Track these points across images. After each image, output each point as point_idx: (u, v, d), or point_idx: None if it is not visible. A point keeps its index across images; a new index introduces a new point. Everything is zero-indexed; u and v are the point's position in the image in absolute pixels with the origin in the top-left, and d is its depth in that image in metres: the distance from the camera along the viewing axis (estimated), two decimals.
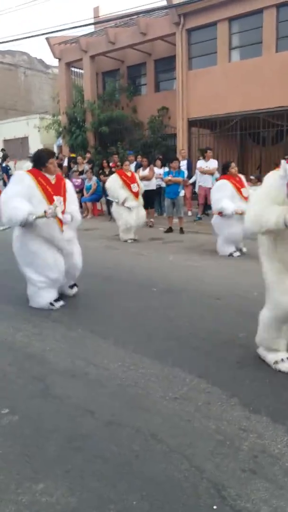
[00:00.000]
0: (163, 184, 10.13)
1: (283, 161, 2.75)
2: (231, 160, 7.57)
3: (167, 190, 9.03)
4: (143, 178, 9.36)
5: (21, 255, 4.26)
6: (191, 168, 11.33)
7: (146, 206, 9.59)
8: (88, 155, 14.07)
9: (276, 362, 2.96)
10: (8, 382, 2.86)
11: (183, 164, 10.58)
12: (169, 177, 8.85)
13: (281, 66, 11.78)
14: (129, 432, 2.30)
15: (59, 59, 17.29)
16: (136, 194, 8.05)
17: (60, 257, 4.29)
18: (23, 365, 3.10)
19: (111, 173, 10.32)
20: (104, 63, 16.94)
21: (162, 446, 2.18)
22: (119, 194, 7.96)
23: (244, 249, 6.82)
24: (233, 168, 6.81)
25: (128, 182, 8.01)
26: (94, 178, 11.82)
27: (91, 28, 16.65)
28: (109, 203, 10.44)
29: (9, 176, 13.97)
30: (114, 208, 8.28)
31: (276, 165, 2.92)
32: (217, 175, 10.90)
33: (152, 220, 10.08)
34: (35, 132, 21.03)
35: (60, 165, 13.86)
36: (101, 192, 11.63)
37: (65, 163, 14.21)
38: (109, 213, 10.72)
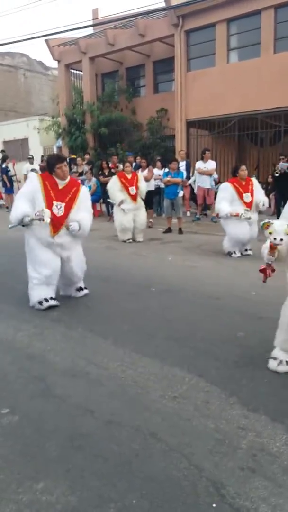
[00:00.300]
0: (162, 185, 10.17)
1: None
2: (242, 163, 7.57)
3: (166, 190, 9.05)
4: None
5: (26, 252, 4.43)
6: (190, 169, 11.36)
7: (145, 206, 9.62)
8: (87, 156, 14.09)
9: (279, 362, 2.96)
10: (8, 382, 2.87)
11: (182, 165, 10.61)
12: (168, 178, 8.87)
13: (279, 67, 11.81)
14: (128, 431, 2.31)
15: (59, 61, 17.32)
16: (133, 197, 8.07)
17: (55, 257, 4.33)
18: (23, 365, 3.11)
19: (110, 174, 10.35)
20: (103, 64, 16.97)
21: (161, 445, 2.20)
22: (115, 197, 8.10)
23: (250, 252, 6.78)
24: (243, 171, 6.81)
25: (126, 184, 8.06)
26: (94, 179, 11.84)
27: (90, 30, 16.69)
28: (109, 204, 10.49)
29: (8, 177, 13.96)
30: (114, 209, 8.39)
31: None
32: (215, 175, 10.95)
33: (151, 220, 10.10)
34: (35, 134, 21.05)
35: None
36: (100, 193, 11.65)
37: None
38: (109, 214, 10.76)
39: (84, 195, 4.54)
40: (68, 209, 4.31)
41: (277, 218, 6.50)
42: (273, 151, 13.18)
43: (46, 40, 16.47)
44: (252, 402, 2.58)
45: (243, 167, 6.92)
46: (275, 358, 2.97)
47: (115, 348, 3.38)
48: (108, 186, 8.43)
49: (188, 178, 10.95)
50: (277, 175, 9.67)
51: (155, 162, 11.56)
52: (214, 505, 1.81)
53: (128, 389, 2.75)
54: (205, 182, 10.38)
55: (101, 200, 11.95)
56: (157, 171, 10.49)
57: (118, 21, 14.82)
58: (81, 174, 12.41)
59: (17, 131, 22.27)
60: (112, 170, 11.34)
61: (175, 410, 2.51)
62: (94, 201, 11.86)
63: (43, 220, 4.08)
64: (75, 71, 17.92)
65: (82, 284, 4.77)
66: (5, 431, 2.34)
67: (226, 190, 6.77)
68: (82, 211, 4.43)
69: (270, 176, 11.05)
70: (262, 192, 7.08)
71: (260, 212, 6.98)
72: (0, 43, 17.41)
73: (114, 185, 8.16)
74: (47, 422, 2.40)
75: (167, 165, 9.58)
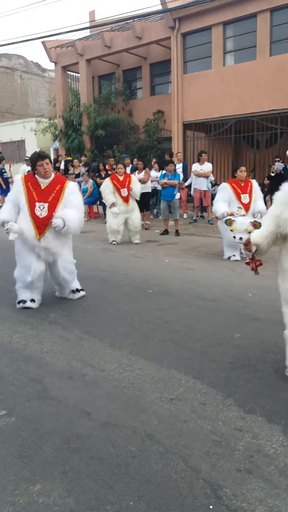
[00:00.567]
0: (159, 187, 10.19)
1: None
2: (242, 164, 7.45)
3: (163, 193, 9.08)
4: (139, 181, 9.38)
5: (15, 253, 4.46)
6: (186, 171, 11.39)
7: (142, 208, 9.63)
8: (83, 158, 14.10)
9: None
10: (5, 384, 2.87)
11: (179, 167, 10.63)
12: (165, 180, 8.89)
13: (275, 70, 11.88)
14: (125, 433, 2.31)
15: (55, 63, 17.34)
16: (125, 199, 8.06)
17: (38, 262, 4.30)
18: (20, 367, 3.11)
19: (107, 176, 10.35)
20: (100, 66, 17.00)
21: (158, 447, 2.20)
22: (107, 199, 8.16)
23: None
24: (241, 172, 6.75)
25: (118, 186, 8.07)
26: (91, 181, 11.85)
27: (87, 32, 16.72)
28: (104, 206, 10.52)
29: (4, 178, 13.94)
30: (107, 211, 8.43)
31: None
32: (212, 177, 10.98)
33: (148, 222, 10.12)
34: (32, 135, 21.05)
35: (57, 168, 13.88)
36: (97, 195, 11.66)
37: (62, 166, 14.23)
38: (105, 215, 10.76)
39: (70, 191, 4.36)
40: (52, 209, 4.22)
41: None
42: (269, 153, 13.24)
43: (43, 42, 16.50)
44: (249, 404, 2.58)
45: (242, 168, 6.86)
46: None
47: (111, 350, 3.38)
48: (101, 188, 8.49)
49: (185, 180, 10.97)
50: (272, 174, 9.73)
51: (153, 164, 11.57)
52: (211, 507, 1.81)
53: (125, 391, 2.75)
54: (202, 184, 10.41)
55: (98, 202, 11.96)
56: (154, 173, 10.52)
57: (115, 23, 14.88)
58: (78, 176, 12.42)
59: (13, 133, 22.26)
60: (109, 172, 11.34)
61: (172, 412, 2.51)
62: (91, 203, 11.88)
63: (9, 234, 4.11)
64: (72, 73, 17.94)
65: (77, 286, 4.72)
66: (1, 433, 2.33)
67: (224, 190, 6.75)
68: (69, 207, 4.30)
69: (266, 178, 11.11)
70: (261, 196, 7.02)
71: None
72: None
73: (106, 188, 8.21)
74: (44, 424, 2.40)
75: (164, 167, 9.60)
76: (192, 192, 10.85)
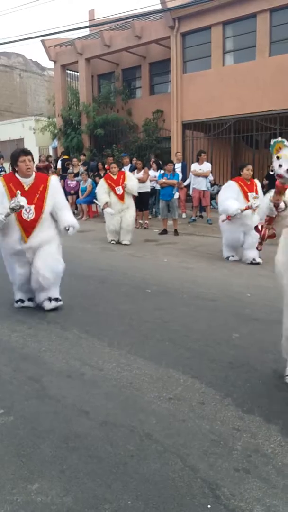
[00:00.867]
0: (158, 186, 10.19)
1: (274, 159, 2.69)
2: (248, 163, 7.23)
3: (162, 192, 9.07)
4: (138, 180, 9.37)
5: None
6: (185, 171, 11.39)
7: (141, 208, 9.63)
8: (82, 157, 14.09)
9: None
10: (3, 383, 2.86)
11: (178, 167, 10.64)
12: (163, 180, 8.89)
13: (275, 70, 11.89)
14: (124, 432, 2.31)
15: (55, 62, 17.32)
16: (120, 197, 7.98)
17: (21, 268, 4.13)
18: (18, 366, 3.11)
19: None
20: (99, 65, 16.98)
21: (156, 446, 2.20)
22: (100, 199, 8.14)
23: (260, 260, 6.33)
24: (247, 170, 6.57)
25: (112, 185, 8.01)
26: (89, 180, 11.84)
27: (86, 31, 16.70)
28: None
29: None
30: (104, 211, 8.35)
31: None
32: (210, 177, 10.99)
33: (146, 222, 10.12)
34: (31, 134, 20.99)
35: (46, 168, 13.82)
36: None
37: (59, 165, 14.21)
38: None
39: (55, 190, 4.15)
40: (39, 210, 4.00)
41: None
42: (268, 154, 13.20)
43: (42, 41, 16.47)
44: (247, 403, 2.59)
45: (249, 166, 6.70)
46: None
47: (110, 349, 3.38)
48: (96, 189, 8.49)
49: (184, 180, 10.98)
50: (271, 173, 9.74)
51: (152, 163, 11.56)
52: (209, 506, 1.82)
53: (123, 390, 2.75)
54: (201, 184, 10.41)
55: (95, 200, 11.95)
56: (152, 172, 10.51)
57: (115, 22, 14.87)
58: (76, 175, 12.41)
59: (12, 131, 22.20)
60: (108, 171, 11.34)
61: (170, 411, 2.51)
62: (90, 202, 11.87)
63: (22, 206, 3.82)
64: (71, 72, 17.92)
65: (55, 294, 4.24)
66: (0, 432, 2.33)
67: (230, 188, 6.51)
68: (61, 209, 4.15)
69: (264, 178, 11.12)
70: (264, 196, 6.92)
71: None
72: None
73: (100, 188, 8.20)
74: (42, 423, 2.40)
75: (162, 167, 9.60)
76: (191, 192, 10.86)
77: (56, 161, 14.88)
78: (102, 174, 11.35)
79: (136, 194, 8.36)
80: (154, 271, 6.01)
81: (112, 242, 8.14)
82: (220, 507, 1.81)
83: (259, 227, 2.87)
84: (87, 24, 16.51)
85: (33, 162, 4.13)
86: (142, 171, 10.07)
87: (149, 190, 10.19)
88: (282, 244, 2.81)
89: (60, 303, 4.26)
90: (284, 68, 11.66)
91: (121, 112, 16.30)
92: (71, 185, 12.34)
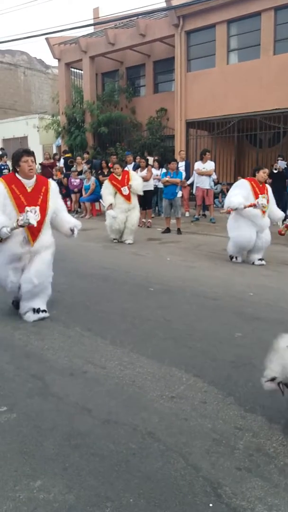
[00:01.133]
0: (160, 185, 10.19)
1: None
2: (262, 166, 6.98)
3: (165, 191, 9.06)
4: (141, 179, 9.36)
5: None
6: (189, 169, 11.38)
7: (144, 206, 9.62)
8: (86, 155, 14.10)
9: None
10: (6, 380, 2.88)
11: (182, 165, 10.62)
12: (167, 178, 8.88)
13: (279, 69, 11.85)
14: (126, 430, 2.32)
15: (59, 60, 17.31)
16: (127, 197, 7.90)
17: (15, 276, 3.89)
18: (21, 363, 3.12)
19: (110, 173, 10.33)
20: (103, 64, 16.97)
21: (158, 445, 2.21)
22: (105, 200, 8.02)
23: (263, 262, 6.30)
24: (264, 173, 6.42)
25: (118, 186, 7.91)
26: (93, 178, 11.85)
27: (90, 29, 16.68)
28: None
29: (3, 175, 13.91)
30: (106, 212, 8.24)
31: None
32: (214, 176, 10.97)
33: (149, 220, 10.12)
34: (34, 132, 21.01)
35: (51, 166, 13.84)
36: (99, 193, 11.65)
37: (61, 163, 14.23)
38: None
39: (55, 193, 4.08)
40: (43, 212, 3.88)
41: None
42: (272, 153, 13.22)
43: (46, 39, 16.47)
44: (249, 403, 2.59)
45: (266, 170, 6.57)
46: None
47: (113, 347, 3.38)
48: (101, 191, 8.37)
49: (187, 178, 10.96)
50: (275, 171, 9.74)
51: (153, 162, 11.55)
52: (211, 505, 1.82)
53: (125, 389, 2.75)
54: (204, 183, 10.40)
55: (100, 199, 11.94)
56: (154, 171, 10.50)
57: (119, 20, 14.84)
58: (80, 173, 12.42)
59: (16, 129, 22.23)
60: (111, 170, 11.33)
61: (173, 410, 2.52)
62: (93, 201, 11.88)
63: (30, 224, 3.65)
64: (75, 70, 17.91)
65: (43, 306, 4.01)
66: (2, 429, 2.34)
67: (243, 186, 6.34)
68: (62, 211, 4.11)
69: (268, 177, 11.09)
70: (274, 202, 6.63)
71: None
72: (1, 41, 17.34)
73: (105, 189, 8.10)
74: (45, 421, 2.41)
75: (164, 165, 9.58)
76: (194, 191, 10.84)
77: (59, 159, 14.89)
78: (106, 173, 11.35)
79: (141, 193, 8.33)
80: (157, 270, 6.01)
81: (115, 240, 8.11)
82: (222, 506, 1.82)
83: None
84: (91, 22, 16.49)
85: (35, 163, 4.01)
86: (146, 169, 10.06)
87: (152, 188, 10.19)
88: None
89: (46, 314, 4.00)
90: None
91: (125, 110, 16.29)
92: (75, 183, 12.35)
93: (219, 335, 3.64)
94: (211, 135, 14.13)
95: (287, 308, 4.31)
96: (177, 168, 9.24)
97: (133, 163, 11.10)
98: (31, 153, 3.87)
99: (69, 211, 12.81)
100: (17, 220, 3.66)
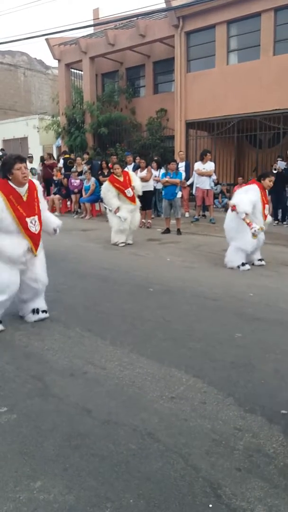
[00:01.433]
0: (158, 186, 10.19)
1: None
2: (269, 174, 6.54)
3: (165, 191, 9.06)
4: (141, 180, 9.35)
5: None
6: (189, 170, 11.39)
7: (144, 207, 9.61)
8: (86, 156, 14.11)
9: None
10: (6, 381, 2.88)
11: (182, 166, 10.62)
12: (166, 178, 8.88)
13: (279, 69, 11.87)
14: (126, 431, 2.32)
15: (59, 60, 17.34)
16: (132, 199, 7.78)
17: (16, 281, 3.76)
18: (21, 364, 3.12)
19: (110, 174, 10.33)
20: (103, 64, 17.00)
21: (158, 445, 2.21)
22: (111, 203, 7.76)
23: (260, 262, 6.23)
24: (271, 181, 6.14)
25: (121, 188, 7.73)
26: (93, 179, 11.85)
27: (90, 30, 16.71)
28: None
29: None
30: (108, 212, 8.04)
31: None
32: (214, 176, 10.97)
33: (149, 221, 10.12)
34: (34, 133, 21.04)
35: (51, 167, 13.85)
36: (99, 193, 11.65)
37: (61, 164, 14.24)
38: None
39: (40, 192, 3.94)
40: (40, 220, 3.81)
41: (274, 217, 6.37)
42: (271, 153, 13.23)
43: (46, 39, 16.49)
44: (249, 403, 2.59)
45: (273, 177, 6.24)
46: None
47: (113, 348, 3.39)
48: (102, 194, 8.07)
49: (187, 179, 10.97)
50: (274, 171, 9.74)
51: (152, 162, 11.54)
52: (210, 506, 1.82)
53: (125, 389, 2.76)
54: (204, 183, 10.40)
55: (100, 200, 11.94)
56: (153, 172, 10.49)
57: (119, 21, 14.87)
58: (80, 173, 12.43)
59: (16, 130, 22.26)
60: (112, 170, 11.33)
61: (172, 411, 2.52)
62: (93, 201, 11.88)
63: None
64: (75, 71, 17.94)
65: (44, 306, 4.04)
66: (3, 430, 2.34)
67: (256, 193, 5.99)
68: (45, 211, 4.00)
69: None
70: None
71: None
72: (1, 42, 17.38)
73: (108, 192, 7.81)
74: (45, 421, 2.41)
75: (163, 166, 9.57)
76: (194, 191, 10.85)
77: (58, 160, 14.91)
78: (106, 173, 11.36)
79: (140, 194, 8.31)
80: (157, 270, 6.01)
81: (122, 244, 7.81)
82: (222, 507, 1.82)
83: None
84: (91, 22, 16.51)
85: (27, 167, 3.81)
86: (146, 170, 10.06)
87: (152, 189, 10.19)
88: None
89: (46, 314, 4.00)
90: None
91: (125, 111, 16.31)
92: (75, 184, 12.35)
93: (219, 335, 3.64)
94: (211, 136, 14.15)
95: (287, 309, 4.32)
96: (177, 168, 9.24)
97: (133, 164, 11.11)
98: (24, 159, 3.72)
99: (69, 211, 12.91)
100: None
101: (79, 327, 3.81)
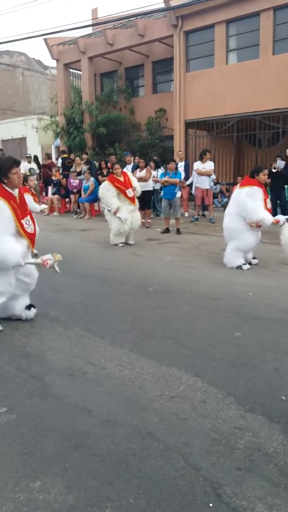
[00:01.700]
0: (156, 186, 10.18)
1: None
2: (262, 168, 6.47)
3: (164, 191, 9.06)
4: (140, 179, 9.36)
5: None
6: (188, 170, 11.38)
7: (143, 207, 9.61)
8: (85, 156, 14.09)
9: None
10: (6, 381, 2.88)
11: (181, 166, 10.62)
12: (166, 178, 8.88)
13: (278, 69, 11.85)
14: (126, 431, 2.32)
15: (57, 60, 17.31)
16: (132, 199, 7.75)
17: (13, 282, 3.75)
18: (21, 364, 3.12)
19: (109, 174, 10.32)
20: (102, 64, 16.97)
21: (158, 445, 2.21)
22: (111, 203, 7.66)
23: (256, 261, 6.27)
24: (264, 175, 6.11)
25: (122, 188, 7.67)
26: (92, 179, 11.85)
27: (89, 30, 16.69)
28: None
29: None
30: (107, 213, 7.96)
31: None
32: (213, 176, 10.96)
33: (149, 221, 10.12)
34: (33, 133, 21.01)
35: (49, 167, 13.84)
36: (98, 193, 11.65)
37: (59, 164, 14.24)
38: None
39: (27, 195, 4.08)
40: (33, 220, 3.89)
41: (274, 215, 6.40)
42: (271, 153, 13.22)
43: (45, 39, 16.46)
44: (249, 402, 2.59)
45: (266, 170, 6.21)
46: None
47: (112, 348, 3.38)
48: (101, 193, 7.96)
49: (187, 178, 10.96)
50: (274, 170, 9.74)
51: (150, 162, 11.54)
52: (211, 505, 1.82)
53: (125, 389, 2.75)
54: (204, 183, 10.40)
55: (99, 200, 11.94)
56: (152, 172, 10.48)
57: (118, 21, 14.83)
58: (79, 173, 12.42)
59: (15, 130, 22.22)
60: (111, 170, 11.32)
61: (172, 410, 2.52)
62: (92, 201, 11.88)
63: (54, 268, 3.67)
64: (74, 71, 17.91)
65: (29, 301, 4.07)
66: (2, 430, 2.34)
67: (259, 195, 5.97)
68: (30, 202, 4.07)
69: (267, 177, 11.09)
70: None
71: None
72: None
73: (107, 192, 7.71)
74: (45, 421, 2.41)
75: (162, 165, 9.56)
76: (193, 191, 10.85)
77: (57, 160, 14.91)
78: (105, 173, 11.35)
79: (139, 194, 8.30)
80: (156, 270, 6.01)
81: (121, 244, 7.79)
82: (222, 506, 1.82)
83: None
84: (90, 22, 16.51)
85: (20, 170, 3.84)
86: (145, 169, 10.06)
87: (151, 189, 10.18)
88: None
89: (35, 310, 4.07)
90: None
91: (124, 110, 16.29)
92: (74, 184, 12.35)
93: (219, 335, 3.64)
94: (210, 135, 14.14)
95: (286, 308, 4.32)
96: (176, 168, 9.24)
97: (132, 164, 11.10)
98: (19, 163, 3.75)
99: (68, 211, 12.91)
100: (43, 261, 3.68)
101: (78, 327, 3.81)
